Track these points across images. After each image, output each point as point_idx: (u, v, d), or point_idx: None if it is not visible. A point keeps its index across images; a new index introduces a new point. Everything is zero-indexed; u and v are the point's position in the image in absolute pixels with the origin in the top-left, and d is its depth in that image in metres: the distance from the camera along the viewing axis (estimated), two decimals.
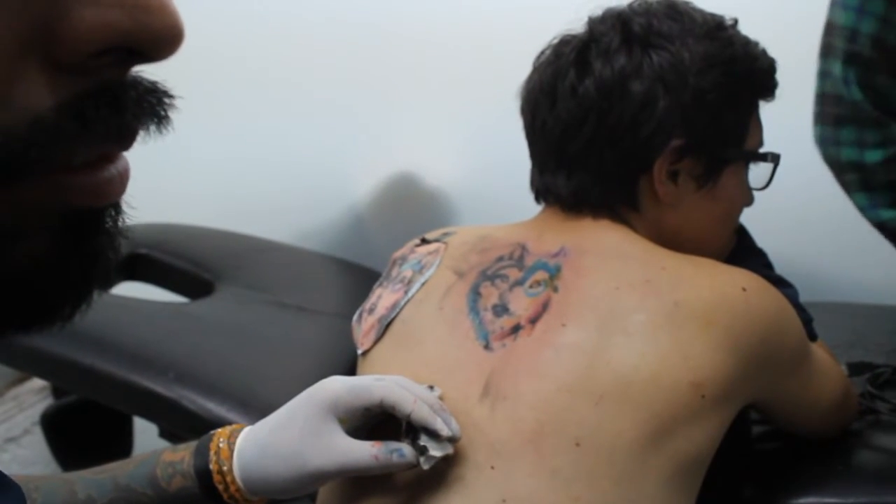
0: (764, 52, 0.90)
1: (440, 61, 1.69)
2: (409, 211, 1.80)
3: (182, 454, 0.73)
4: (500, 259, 0.85)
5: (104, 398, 1.30)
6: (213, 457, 0.72)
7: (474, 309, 0.82)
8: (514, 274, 0.83)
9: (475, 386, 0.77)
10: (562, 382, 0.74)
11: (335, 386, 0.71)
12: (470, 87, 1.64)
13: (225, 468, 0.72)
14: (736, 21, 0.90)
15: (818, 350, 0.92)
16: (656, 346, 0.75)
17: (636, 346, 0.75)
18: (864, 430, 1.00)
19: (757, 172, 0.94)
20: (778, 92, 0.92)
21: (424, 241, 0.93)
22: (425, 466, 0.70)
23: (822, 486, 0.93)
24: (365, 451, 0.69)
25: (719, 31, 0.87)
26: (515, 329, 0.79)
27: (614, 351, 0.75)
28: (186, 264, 1.59)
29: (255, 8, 1.81)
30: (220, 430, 0.75)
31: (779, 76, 0.91)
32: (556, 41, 0.90)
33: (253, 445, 0.72)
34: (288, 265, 1.65)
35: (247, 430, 0.74)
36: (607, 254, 0.82)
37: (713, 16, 0.88)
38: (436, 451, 0.69)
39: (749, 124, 0.90)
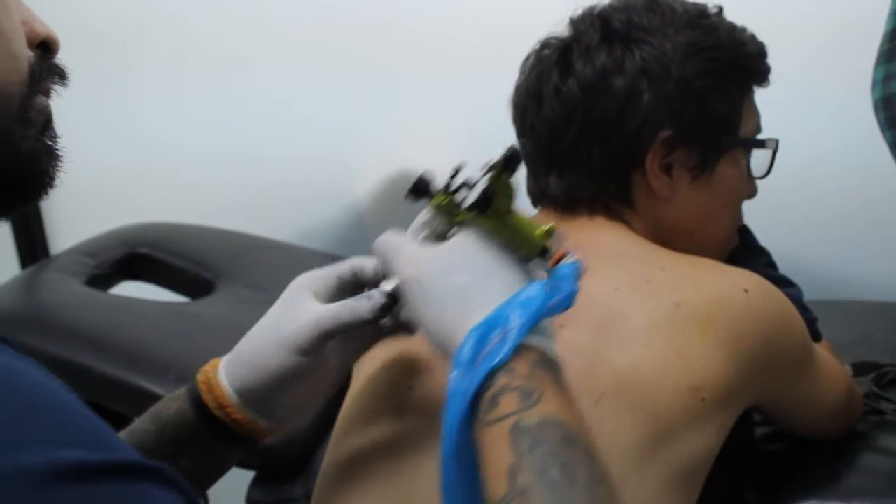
0: (752, 38, 0.89)
1: (444, 58, 1.67)
2: (412, 209, 1.79)
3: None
4: None
5: (104, 399, 1.29)
6: (199, 374, 0.73)
7: None
8: None
9: None
10: None
11: (307, 272, 0.72)
12: (474, 84, 1.63)
13: (210, 376, 0.71)
14: (720, 9, 0.89)
15: (822, 351, 0.90)
16: (656, 348, 0.74)
17: (635, 349, 0.74)
18: (868, 431, 0.98)
19: (758, 161, 0.93)
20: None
21: None
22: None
23: (826, 489, 0.91)
24: (336, 305, 0.68)
25: (701, 19, 0.87)
26: None
27: (613, 353, 0.74)
28: (187, 264, 1.58)
29: (255, 2, 1.80)
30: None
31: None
32: (538, 45, 0.90)
33: (234, 351, 0.72)
34: (289, 264, 1.64)
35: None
36: (605, 253, 0.81)
37: (695, 5, 0.88)
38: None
39: (742, 111, 0.89)
